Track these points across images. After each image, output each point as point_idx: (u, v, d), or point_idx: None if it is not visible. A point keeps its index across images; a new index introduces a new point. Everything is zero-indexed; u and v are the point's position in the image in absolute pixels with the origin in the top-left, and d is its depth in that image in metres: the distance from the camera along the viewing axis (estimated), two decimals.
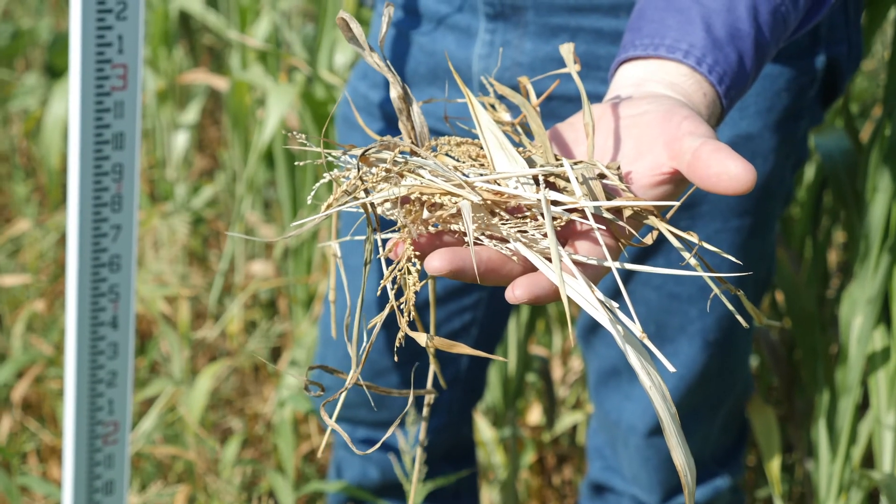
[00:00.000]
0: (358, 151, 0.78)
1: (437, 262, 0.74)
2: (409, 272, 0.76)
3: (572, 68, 0.88)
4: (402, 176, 0.77)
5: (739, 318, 0.81)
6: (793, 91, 1.25)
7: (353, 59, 2.15)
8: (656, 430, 1.42)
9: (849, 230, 1.62)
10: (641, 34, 0.90)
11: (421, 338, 0.78)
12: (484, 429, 2.01)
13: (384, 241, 0.78)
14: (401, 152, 0.78)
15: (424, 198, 0.76)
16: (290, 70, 2.22)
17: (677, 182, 0.81)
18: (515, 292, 0.73)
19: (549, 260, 0.75)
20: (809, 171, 1.91)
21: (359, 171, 0.76)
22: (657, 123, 0.81)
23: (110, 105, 1.21)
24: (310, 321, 2.21)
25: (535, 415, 2.18)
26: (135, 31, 1.20)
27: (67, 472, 1.36)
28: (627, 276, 1.34)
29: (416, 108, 0.82)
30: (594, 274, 0.77)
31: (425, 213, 0.76)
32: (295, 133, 0.82)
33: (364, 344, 0.79)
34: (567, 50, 0.89)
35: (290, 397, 1.71)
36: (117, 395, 1.36)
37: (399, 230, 0.77)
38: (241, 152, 2.41)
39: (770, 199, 1.32)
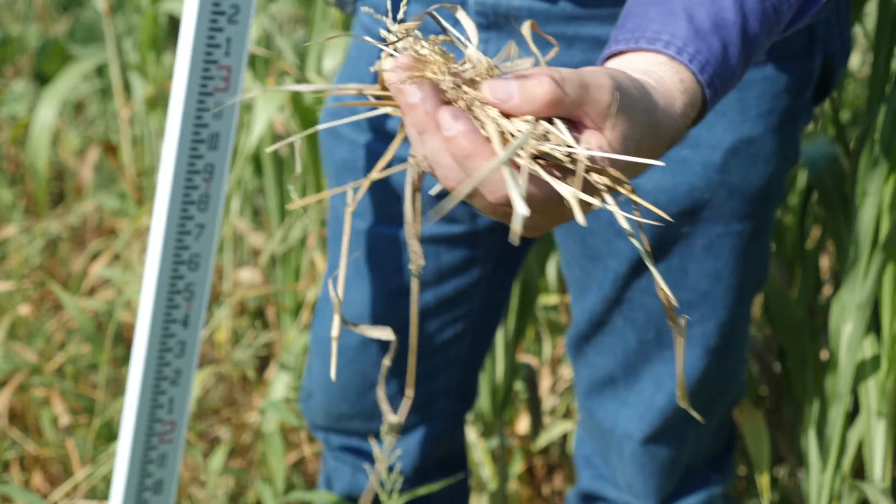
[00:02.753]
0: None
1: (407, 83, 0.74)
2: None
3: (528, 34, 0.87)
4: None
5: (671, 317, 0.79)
6: (792, 92, 1.25)
7: (342, 62, 2.14)
8: (652, 437, 1.42)
9: (836, 236, 1.61)
10: (625, 29, 0.90)
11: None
12: (472, 437, 1.99)
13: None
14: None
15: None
16: (279, 75, 2.21)
17: None
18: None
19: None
20: (800, 178, 1.90)
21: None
22: None
23: (210, 105, 1.23)
24: (298, 329, 2.19)
25: (523, 424, 2.17)
26: (243, 35, 1.23)
27: (121, 469, 1.36)
28: (628, 282, 1.34)
29: None
30: (547, 193, 0.76)
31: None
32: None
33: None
34: (527, 28, 0.87)
35: (272, 405, 1.69)
36: (178, 394, 1.37)
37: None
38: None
39: (770, 202, 1.32)
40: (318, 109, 2.10)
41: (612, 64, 0.88)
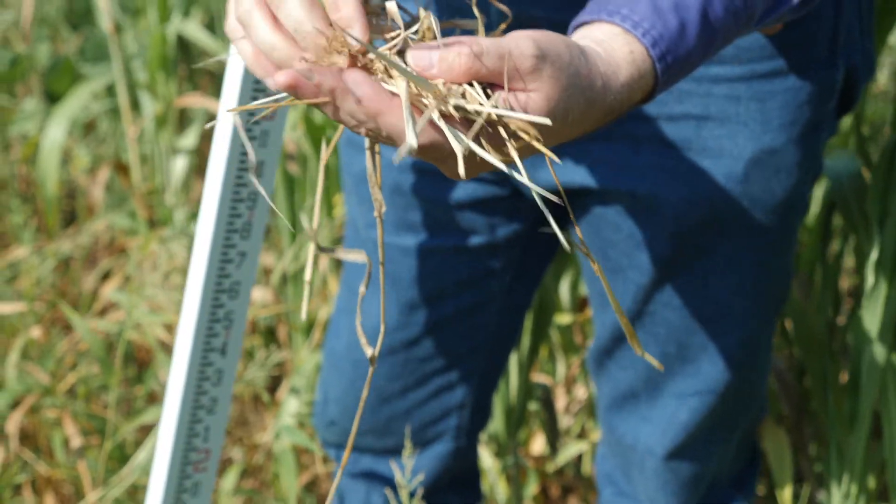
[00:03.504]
0: None
1: (301, 65, 0.80)
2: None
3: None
4: None
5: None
6: (814, 103, 1.24)
7: None
8: (674, 453, 1.41)
9: (858, 254, 1.59)
10: (595, 2, 0.94)
11: None
12: (486, 458, 1.97)
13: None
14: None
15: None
16: None
17: None
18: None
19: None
20: (817, 192, 1.88)
21: None
22: None
23: (257, 134, 1.23)
24: (310, 348, 2.18)
25: (538, 444, 2.14)
26: None
27: (154, 498, 1.35)
28: (649, 295, 1.33)
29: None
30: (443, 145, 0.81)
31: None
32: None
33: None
34: None
35: (286, 429, 1.67)
36: (214, 423, 1.37)
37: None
38: None
39: (792, 215, 1.31)
40: (330, 128, 2.08)
41: (577, 33, 0.93)
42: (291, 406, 1.91)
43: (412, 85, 0.80)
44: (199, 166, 2.98)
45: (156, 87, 2.52)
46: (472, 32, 0.93)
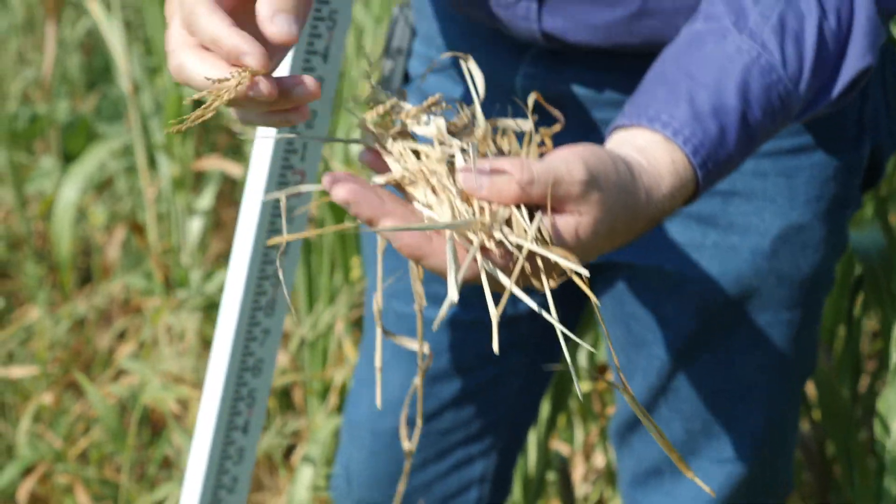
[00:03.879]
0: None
1: (342, 191, 0.79)
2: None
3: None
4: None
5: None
6: (840, 179, 1.24)
7: None
8: None
9: (885, 330, 1.56)
10: (633, 105, 0.94)
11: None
12: None
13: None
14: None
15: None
16: None
17: None
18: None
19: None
20: (847, 264, 1.86)
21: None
22: None
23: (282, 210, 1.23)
24: (326, 413, 2.15)
25: None
26: (318, 145, 1.25)
27: None
28: (674, 371, 1.31)
29: None
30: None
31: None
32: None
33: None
34: (531, 99, 0.92)
35: None
36: (233, 501, 1.36)
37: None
38: None
39: (819, 290, 1.30)
40: None
41: (617, 136, 0.93)
42: (306, 475, 1.89)
43: (456, 217, 0.79)
44: (216, 225, 2.98)
45: (172, 147, 2.52)
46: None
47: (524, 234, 0.79)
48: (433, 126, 0.85)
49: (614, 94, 1.20)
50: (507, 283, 0.79)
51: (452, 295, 0.76)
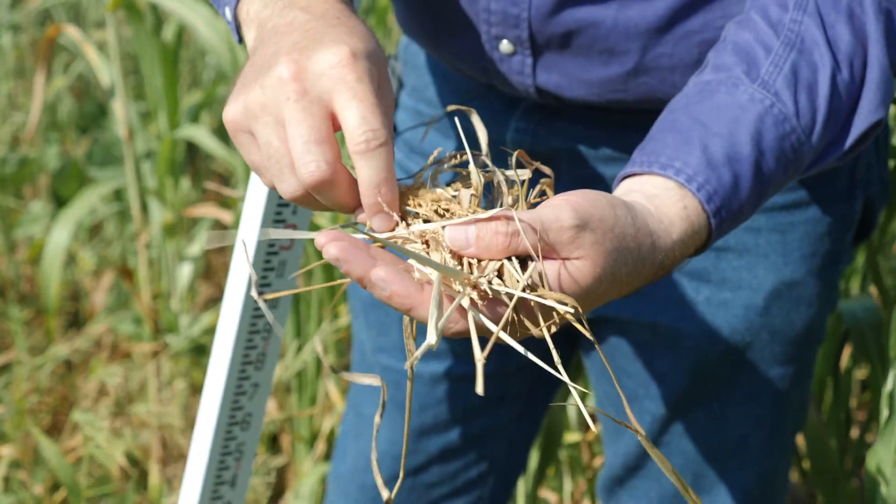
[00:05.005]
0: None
1: (333, 249, 0.78)
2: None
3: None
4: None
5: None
6: (834, 234, 1.23)
7: None
8: None
9: (874, 385, 1.56)
10: (643, 152, 0.92)
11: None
12: None
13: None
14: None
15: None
16: None
17: None
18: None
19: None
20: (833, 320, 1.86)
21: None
22: None
23: (275, 264, 1.23)
24: (313, 460, 2.14)
25: None
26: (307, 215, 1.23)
27: None
28: (665, 425, 1.31)
29: None
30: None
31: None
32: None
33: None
34: (516, 155, 0.93)
35: None
36: None
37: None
38: None
39: (812, 345, 1.29)
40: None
41: (626, 184, 0.91)
42: None
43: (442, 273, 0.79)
44: (206, 270, 2.97)
45: (164, 193, 2.52)
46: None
47: (516, 284, 0.79)
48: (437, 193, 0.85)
49: (607, 150, 1.20)
50: (495, 328, 0.79)
51: (430, 338, 0.76)
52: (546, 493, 2.11)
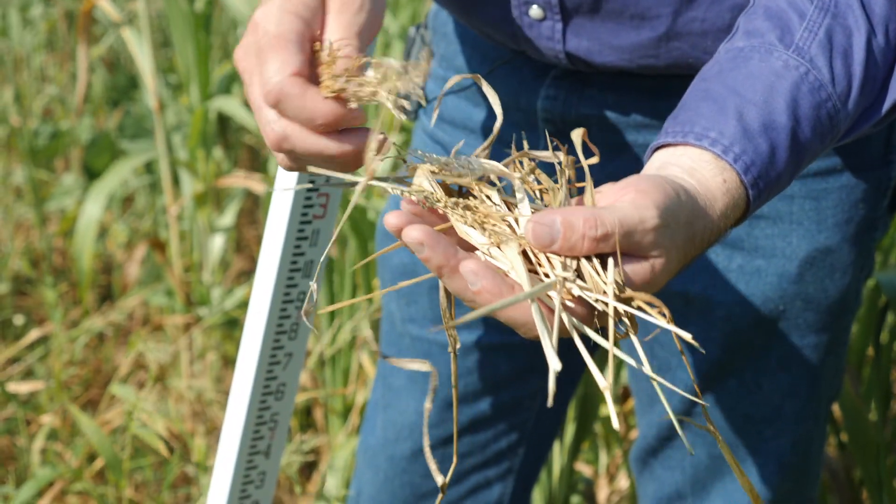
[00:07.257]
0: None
1: (416, 232, 0.75)
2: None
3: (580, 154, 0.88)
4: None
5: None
6: (869, 201, 1.21)
7: (395, 164, 2.10)
8: None
9: None
10: (676, 122, 0.90)
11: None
12: None
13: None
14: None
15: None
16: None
17: None
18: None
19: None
20: (869, 283, 1.83)
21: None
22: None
23: (309, 233, 1.23)
24: (346, 433, 2.14)
25: None
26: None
27: None
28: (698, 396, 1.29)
29: None
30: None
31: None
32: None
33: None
34: (577, 135, 0.90)
35: None
36: None
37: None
38: None
39: (846, 314, 1.27)
40: (371, 210, 2.06)
41: (660, 155, 0.89)
42: (327, 491, 1.87)
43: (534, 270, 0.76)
44: (238, 242, 2.97)
45: (195, 165, 2.51)
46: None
47: (598, 285, 0.76)
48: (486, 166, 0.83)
49: (638, 117, 1.18)
50: (604, 342, 0.77)
51: (555, 365, 0.72)
52: (581, 467, 2.10)
